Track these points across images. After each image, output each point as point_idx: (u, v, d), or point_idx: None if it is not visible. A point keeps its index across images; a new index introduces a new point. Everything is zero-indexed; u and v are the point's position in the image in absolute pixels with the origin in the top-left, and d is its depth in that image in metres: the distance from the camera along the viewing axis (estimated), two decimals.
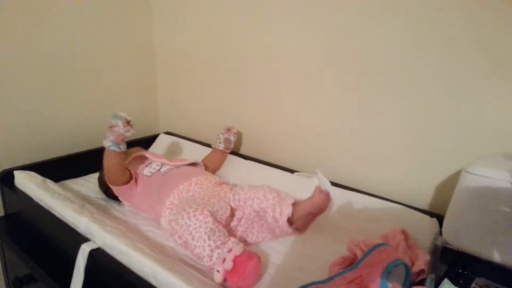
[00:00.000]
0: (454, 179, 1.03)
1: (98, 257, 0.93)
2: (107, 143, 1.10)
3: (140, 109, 1.78)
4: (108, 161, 1.14)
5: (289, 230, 0.98)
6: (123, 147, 1.11)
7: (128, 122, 1.08)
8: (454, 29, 0.98)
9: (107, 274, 0.92)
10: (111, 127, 1.08)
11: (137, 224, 1.16)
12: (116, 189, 1.19)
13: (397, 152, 1.14)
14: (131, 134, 1.08)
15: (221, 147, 1.41)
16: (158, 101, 1.84)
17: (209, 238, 0.90)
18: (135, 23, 1.67)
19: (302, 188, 1.22)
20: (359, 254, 0.90)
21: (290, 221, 0.97)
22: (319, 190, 0.98)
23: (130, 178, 1.18)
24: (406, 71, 1.07)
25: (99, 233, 0.97)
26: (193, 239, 0.92)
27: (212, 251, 0.90)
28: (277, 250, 1.02)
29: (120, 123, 1.06)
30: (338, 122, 1.25)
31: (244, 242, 1.03)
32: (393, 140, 1.14)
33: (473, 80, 0.97)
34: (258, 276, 0.90)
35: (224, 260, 0.87)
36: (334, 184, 1.22)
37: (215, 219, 0.95)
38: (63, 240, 1.07)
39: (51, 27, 1.42)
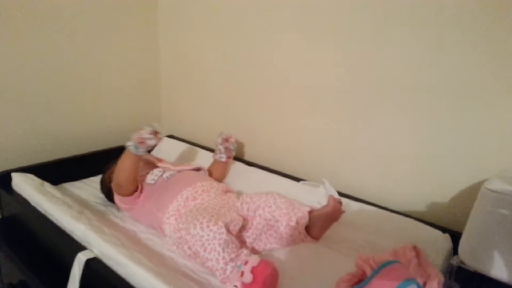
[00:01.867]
0: (469, 192, 0.99)
1: (95, 267, 0.89)
2: (128, 143, 1.10)
3: (142, 111, 1.74)
4: (123, 163, 1.11)
5: (307, 238, 0.97)
6: (142, 151, 1.09)
7: (155, 133, 1.10)
8: (468, 38, 0.93)
9: (103, 285, 0.88)
10: (138, 131, 1.10)
11: (136, 232, 1.12)
12: (119, 199, 1.15)
13: (407, 163, 1.10)
14: (153, 144, 1.09)
15: (224, 158, 1.34)
16: (161, 103, 1.80)
17: (223, 251, 0.86)
18: (141, 24, 1.64)
19: (308, 197, 1.19)
20: (368, 271, 0.85)
21: (306, 229, 0.97)
22: (332, 198, 0.98)
23: (136, 189, 1.14)
24: (419, 82, 1.03)
25: (96, 241, 0.93)
26: (205, 251, 0.88)
27: (226, 264, 0.85)
28: (281, 262, 0.97)
29: (147, 129, 1.09)
30: (347, 132, 1.21)
31: (253, 251, 0.99)
32: (403, 151, 1.10)
33: (492, 90, 0.93)
34: (277, 283, 0.86)
35: (242, 273, 0.83)
36: (341, 194, 1.18)
37: (228, 231, 0.90)
38: (60, 247, 1.03)
39: (53, 27, 1.38)
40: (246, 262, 0.84)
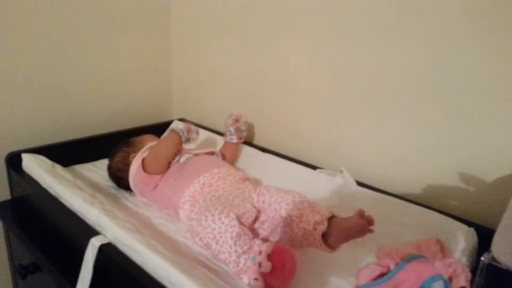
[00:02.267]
0: (498, 184, 0.95)
1: (109, 253, 0.86)
2: (176, 126, 1.17)
3: (153, 93, 1.70)
4: (168, 141, 1.17)
5: (322, 246, 0.87)
6: (185, 139, 1.16)
7: (197, 133, 1.21)
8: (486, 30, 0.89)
9: (118, 271, 0.86)
10: (183, 122, 1.19)
11: (150, 217, 1.09)
12: (143, 177, 1.12)
13: (430, 151, 1.06)
14: (195, 138, 1.19)
15: (235, 140, 1.31)
16: (172, 86, 1.76)
17: (235, 244, 0.83)
18: (152, 6, 1.58)
19: (324, 186, 1.16)
20: (391, 265, 0.82)
21: (323, 237, 0.88)
22: (360, 213, 0.86)
23: (164, 170, 1.14)
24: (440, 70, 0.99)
25: (110, 227, 0.90)
26: (217, 243, 0.86)
27: (238, 257, 0.83)
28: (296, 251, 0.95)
29: (193, 127, 1.20)
30: (366, 118, 1.16)
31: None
32: (426, 137, 1.06)
33: None
34: (296, 263, 0.82)
35: (259, 264, 0.79)
36: (360, 184, 1.16)
37: (241, 222, 0.88)
38: (72, 231, 1.01)
39: (63, 5, 1.34)
40: (260, 252, 0.81)
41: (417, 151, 1.08)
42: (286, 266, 0.80)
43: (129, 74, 1.59)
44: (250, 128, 1.49)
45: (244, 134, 1.34)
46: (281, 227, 0.95)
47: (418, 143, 1.07)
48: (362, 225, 0.85)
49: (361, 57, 1.14)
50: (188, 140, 1.17)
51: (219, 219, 0.87)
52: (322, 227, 0.87)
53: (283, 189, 1.01)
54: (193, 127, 1.18)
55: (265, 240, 0.95)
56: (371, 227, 0.86)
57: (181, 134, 1.14)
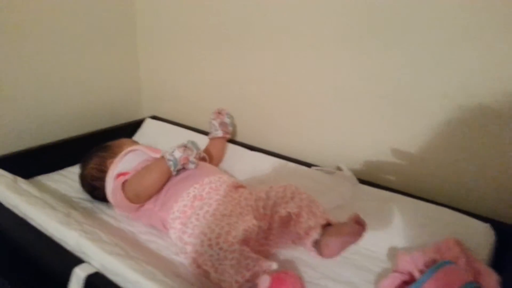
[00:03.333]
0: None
1: (98, 285, 0.74)
2: (169, 156, 0.96)
3: (120, 91, 1.54)
4: (153, 174, 0.96)
5: (312, 253, 0.83)
6: (176, 171, 0.97)
7: (199, 158, 1.01)
8: None
9: None
10: (184, 147, 0.98)
11: (135, 233, 0.97)
12: (124, 205, 0.98)
13: (438, 144, 1.00)
14: (192, 168, 0.99)
15: (220, 133, 1.24)
16: (140, 78, 1.60)
17: (236, 273, 0.73)
18: None
19: (322, 185, 1.08)
20: (415, 273, 0.76)
21: (315, 242, 0.82)
22: (356, 219, 0.80)
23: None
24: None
25: (95, 253, 0.78)
26: (216, 271, 0.76)
27: (241, 286, 0.73)
28: (303, 258, 0.87)
29: (195, 152, 0.98)
30: (364, 110, 1.09)
31: (266, 254, 0.88)
32: (429, 134, 1.00)
33: None
34: None
35: None
36: (361, 181, 1.09)
37: (242, 243, 0.78)
38: (49, 260, 0.87)
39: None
40: (256, 285, 0.72)
41: (424, 145, 1.03)
42: None
43: (94, 73, 1.43)
44: (233, 125, 1.39)
45: (230, 128, 1.26)
46: (279, 229, 0.89)
47: (424, 139, 1.02)
48: (358, 231, 0.79)
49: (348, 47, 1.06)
50: (184, 165, 0.98)
51: (217, 244, 0.77)
52: (315, 235, 0.81)
53: (280, 185, 0.92)
54: (192, 156, 0.97)
55: (264, 251, 0.87)
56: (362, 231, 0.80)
57: (172, 167, 0.95)
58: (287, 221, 0.87)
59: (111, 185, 1.01)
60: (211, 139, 1.26)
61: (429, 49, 0.95)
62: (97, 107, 1.47)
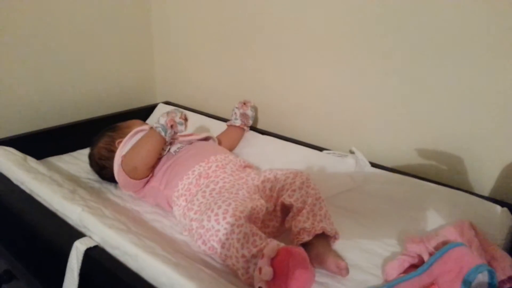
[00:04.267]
0: None
1: (96, 258, 0.73)
2: (156, 124, 0.96)
3: (133, 75, 1.55)
4: (145, 144, 0.96)
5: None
6: (169, 136, 0.96)
7: (185, 119, 0.97)
8: None
9: (108, 279, 0.73)
10: (168, 113, 0.97)
11: (140, 212, 0.97)
12: (127, 182, 0.98)
13: (449, 123, 0.96)
14: (182, 130, 0.97)
15: (238, 122, 1.22)
16: (154, 64, 1.60)
17: (242, 247, 0.71)
18: None
19: (334, 169, 1.05)
20: (424, 255, 0.73)
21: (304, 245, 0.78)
22: (339, 266, 0.73)
23: (150, 173, 0.98)
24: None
25: (96, 227, 0.77)
26: (222, 247, 0.74)
27: (247, 262, 0.71)
28: None
29: (177, 113, 0.96)
30: (378, 93, 1.05)
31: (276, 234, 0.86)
32: (444, 105, 0.96)
33: None
34: (308, 264, 0.69)
35: (260, 270, 0.68)
36: (373, 165, 1.05)
37: (249, 221, 0.76)
38: (52, 233, 0.87)
39: None
40: (262, 256, 0.70)
41: (436, 126, 0.98)
42: (290, 274, 0.66)
43: (110, 59, 1.44)
44: (255, 119, 1.36)
45: (250, 122, 1.23)
46: (282, 214, 0.87)
47: (438, 114, 0.98)
48: (335, 272, 0.74)
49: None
50: (174, 134, 0.99)
51: (224, 218, 0.75)
52: (305, 238, 0.78)
53: (291, 170, 0.90)
54: (177, 117, 0.96)
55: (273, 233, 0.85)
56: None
57: (162, 133, 0.95)
58: (288, 209, 0.85)
59: (116, 168, 1.01)
60: (229, 126, 1.24)
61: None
62: (113, 92, 1.48)
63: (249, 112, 1.21)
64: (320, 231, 0.79)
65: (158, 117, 0.97)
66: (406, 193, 0.91)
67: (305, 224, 0.80)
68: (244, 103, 1.21)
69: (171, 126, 0.95)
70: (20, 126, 1.24)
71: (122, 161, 0.97)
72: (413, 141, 1.02)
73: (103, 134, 1.10)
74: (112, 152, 1.05)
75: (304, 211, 0.81)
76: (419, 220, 0.86)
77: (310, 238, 0.78)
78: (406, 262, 0.75)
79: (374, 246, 0.84)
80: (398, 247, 0.83)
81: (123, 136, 1.07)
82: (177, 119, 0.95)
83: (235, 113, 1.22)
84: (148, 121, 1.45)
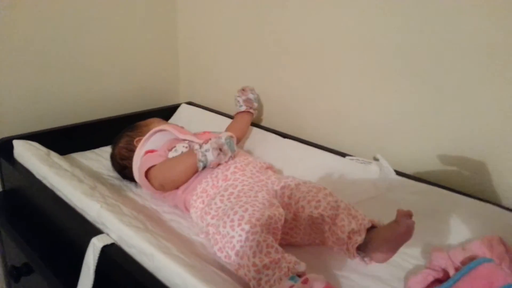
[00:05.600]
0: None
1: (113, 256, 0.73)
2: (201, 156, 0.91)
3: (158, 75, 1.56)
4: (180, 168, 0.93)
5: (356, 259, 0.75)
6: (203, 168, 0.93)
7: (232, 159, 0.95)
8: None
9: (124, 277, 0.73)
10: (219, 151, 0.91)
11: (159, 212, 0.96)
12: (151, 190, 0.99)
13: (477, 131, 0.92)
14: (219, 163, 0.93)
15: (243, 108, 1.22)
16: (179, 67, 1.61)
17: (254, 255, 0.68)
18: None
19: (356, 176, 1.02)
20: (450, 269, 0.69)
21: (359, 248, 0.74)
22: (408, 214, 0.71)
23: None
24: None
25: (114, 224, 0.77)
26: (236, 255, 0.71)
27: (258, 272, 0.67)
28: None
29: (228, 156, 0.92)
30: (402, 99, 1.02)
31: (287, 242, 0.83)
32: (470, 112, 0.92)
33: None
34: None
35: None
36: (397, 173, 1.02)
37: (265, 230, 0.72)
38: (70, 228, 0.88)
39: None
40: (306, 281, 0.63)
41: (463, 136, 0.94)
42: None
43: (132, 54, 1.45)
44: (267, 111, 1.35)
45: (255, 104, 1.23)
46: (308, 228, 0.81)
47: (467, 128, 0.94)
48: (411, 228, 0.70)
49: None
50: (214, 166, 0.93)
51: (239, 225, 0.73)
52: (359, 238, 0.73)
53: (312, 182, 0.87)
54: (223, 161, 0.91)
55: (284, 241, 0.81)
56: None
57: (200, 168, 0.91)
58: (319, 222, 0.79)
59: (138, 163, 1.01)
60: (236, 114, 1.24)
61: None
62: (137, 92, 1.49)
63: (251, 96, 1.22)
64: (369, 224, 0.75)
65: (208, 146, 0.91)
66: (431, 204, 0.88)
67: (351, 225, 0.75)
68: (243, 89, 1.22)
69: (218, 154, 0.91)
70: (46, 121, 1.25)
71: (150, 171, 0.96)
72: (436, 148, 0.99)
73: (123, 134, 1.11)
74: (132, 151, 1.05)
75: (342, 215, 0.77)
76: (445, 232, 0.82)
77: (363, 236, 0.73)
78: (430, 276, 0.71)
79: (396, 257, 0.80)
80: (422, 259, 0.79)
81: (141, 134, 1.07)
82: (222, 161, 0.92)
83: (238, 101, 1.22)
84: (170, 121, 1.46)
